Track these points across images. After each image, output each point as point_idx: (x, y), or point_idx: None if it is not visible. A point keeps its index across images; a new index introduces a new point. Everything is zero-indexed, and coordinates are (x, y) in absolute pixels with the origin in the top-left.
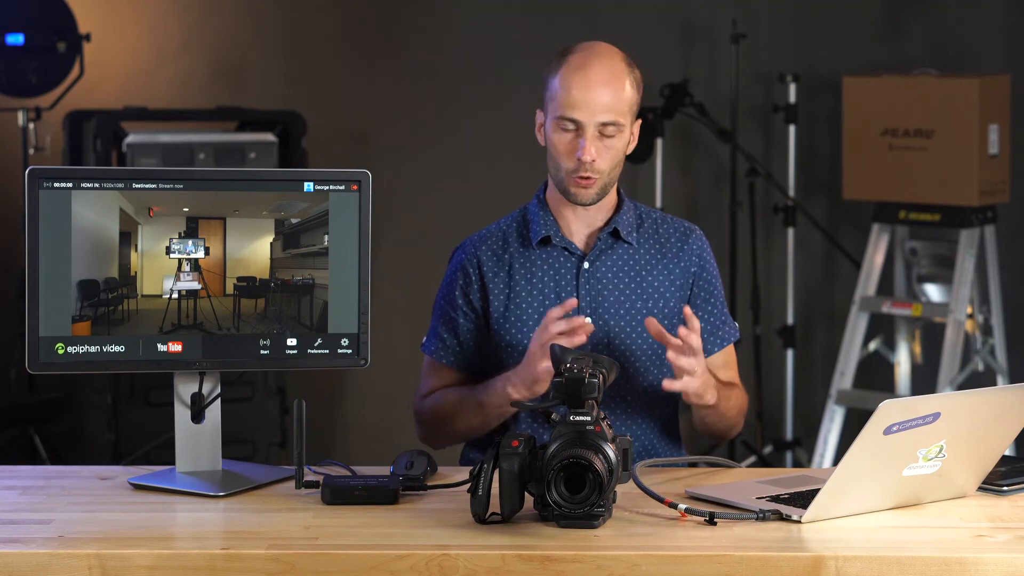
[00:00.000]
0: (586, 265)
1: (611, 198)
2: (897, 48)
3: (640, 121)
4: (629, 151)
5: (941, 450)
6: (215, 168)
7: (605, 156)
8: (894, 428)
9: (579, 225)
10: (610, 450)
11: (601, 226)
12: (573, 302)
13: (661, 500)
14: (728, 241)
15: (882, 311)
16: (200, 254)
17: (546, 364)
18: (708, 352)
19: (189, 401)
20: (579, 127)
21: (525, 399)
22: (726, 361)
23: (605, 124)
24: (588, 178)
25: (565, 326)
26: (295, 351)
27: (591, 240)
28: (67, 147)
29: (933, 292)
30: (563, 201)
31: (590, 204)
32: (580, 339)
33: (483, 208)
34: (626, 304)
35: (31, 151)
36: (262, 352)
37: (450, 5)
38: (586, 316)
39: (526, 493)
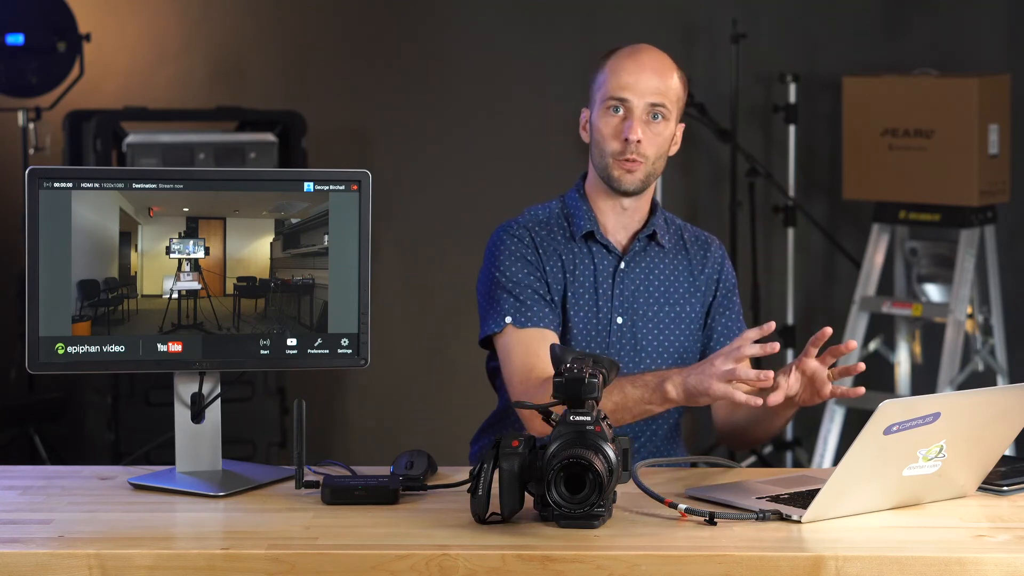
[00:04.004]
0: (622, 265)
1: (648, 200)
2: (897, 48)
3: (683, 125)
4: (672, 152)
5: (941, 450)
6: (215, 168)
7: (652, 142)
8: (894, 428)
9: (615, 225)
10: (610, 450)
11: (638, 229)
12: (771, 325)
13: (661, 500)
14: (728, 241)
15: (882, 311)
16: (200, 254)
17: (722, 387)
18: None
19: (189, 401)
20: (627, 110)
21: (680, 400)
22: None
23: (654, 105)
24: (634, 161)
25: (759, 351)
26: (295, 351)
27: (627, 241)
28: (67, 147)
29: (933, 292)
30: (602, 197)
31: (633, 193)
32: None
33: (483, 208)
34: (654, 307)
35: (31, 151)
36: (262, 352)
37: (450, 5)
38: (617, 316)
39: (526, 493)
